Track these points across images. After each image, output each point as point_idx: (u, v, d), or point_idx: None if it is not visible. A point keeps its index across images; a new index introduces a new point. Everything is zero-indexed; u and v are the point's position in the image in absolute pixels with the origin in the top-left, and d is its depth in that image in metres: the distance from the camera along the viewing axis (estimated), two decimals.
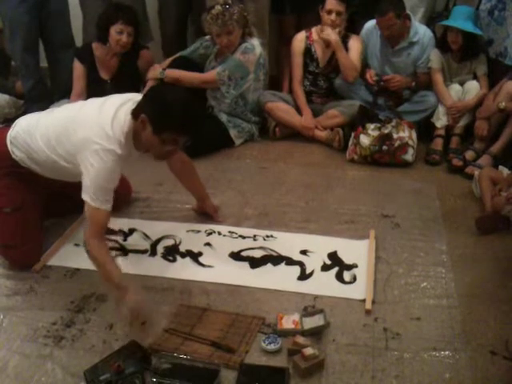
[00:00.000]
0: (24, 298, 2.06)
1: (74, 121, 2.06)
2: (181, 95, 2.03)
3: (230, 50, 3.32)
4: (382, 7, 3.22)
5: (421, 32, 3.36)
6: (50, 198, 2.39)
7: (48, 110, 2.30)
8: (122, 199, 2.55)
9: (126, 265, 2.18)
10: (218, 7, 3.18)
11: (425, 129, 3.40)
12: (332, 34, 3.33)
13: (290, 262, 2.27)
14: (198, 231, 2.48)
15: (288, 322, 1.88)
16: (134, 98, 2.09)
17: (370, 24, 3.48)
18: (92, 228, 1.99)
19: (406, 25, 3.32)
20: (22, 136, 2.18)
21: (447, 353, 1.80)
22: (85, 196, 1.97)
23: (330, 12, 3.33)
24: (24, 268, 2.21)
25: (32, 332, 1.89)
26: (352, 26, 3.71)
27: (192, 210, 2.63)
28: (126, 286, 1.84)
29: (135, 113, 2.01)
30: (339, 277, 2.18)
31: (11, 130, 2.23)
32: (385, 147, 3.10)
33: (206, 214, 2.59)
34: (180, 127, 1.98)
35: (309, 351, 1.71)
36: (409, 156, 3.12)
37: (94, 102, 2.12)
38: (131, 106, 2.04)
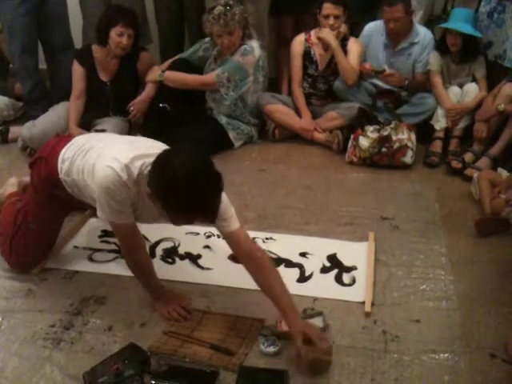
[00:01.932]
0: (23, 301, 2.06)
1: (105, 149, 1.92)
2: (189, 172, 1.63)
3: (230, 51, 3.32)
4: None
5: (421, 33, 3.38)
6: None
7: (100, 137, 2.16)
8: None
9: (125, 267, 2.17)
10: (220, 7, 3.19)
11: (424, 131, 3.39)
12: (330, 36, 3.33)
13: (289, 264, 2.27)
14: (197, 234, 2.48)
15: None
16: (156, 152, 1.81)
17: (371, 25, 3.49)
18: (122, 244, 2.00)
19: (409, 24, 3.33)
20: (73, 159, 1.99)
21: (446, 355, 1.80)
22: (102, 215, 1.87)
23: (327, 17, 3.33)
24: (22, 272, 2.21)
25: (31, 334, 1.89)
26: (351, 29, 3.72)
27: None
28: (156, 297, 2.00)
29: (148, 179, 1.76)
30: (338, 279, 2.18)
31: (66, 148, 2.04)
32: (384, 149, 3.10)
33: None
34: (189, 211, 1.68)
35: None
36: (408, 158, 3.12)
37: (142, 141, 2.09)
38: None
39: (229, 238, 1.91)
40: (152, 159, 1.76)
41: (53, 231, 2.26)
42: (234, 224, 1.90)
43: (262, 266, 1.88)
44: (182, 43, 3.97)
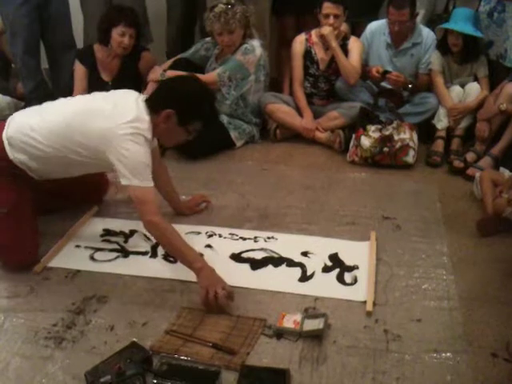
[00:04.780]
0: (25, 300, 2.06)
1: (88, 113, 2.11)
2: (198, 85, 2.24)
3: (230, 50, 3.32)
4: (400, 1, 3.23)
5: (424, 33, 3.39)
6: (48, 197, 2.41)
7: (45, 105, 2.26)
8: (99, 191, 2.69)
9: (127, 266, 2.18)
10: (221, 6, 3.20)
11: (426, 130, 3.40)
12: (332, 36, 3.33)
13: (290, 263, 2.27)
14: (199, 233, 2.48)
15: (289, 322, 1.88)
16: (135, 93, 2.21)
17: (374, 25, 3.49)
18: (149, 207, 2.05)
19: (412, 26, 3.34)
20: (22, 136, 2.15)
21: (448, 355, 1.80)
22: (128, 181, 2.03)
23: (327, 16, 3.33)
24: (19, 268, 2.20)
25: (33, 334, 1.89)
26: (353, 28, 3.73)
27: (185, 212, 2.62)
28: (200, 266, 2.02)
29: (156, 107, 2.11)
30: (340, 278, 2.18)
31: (6, 129, 2.19)
32: (386, 149, 3.10)
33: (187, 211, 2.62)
34: (207, 116, 2.21)
35: None
36: (410, 158, 3.12)
37: (102, 95, 2.22)
38: (142, 99, 2.17)
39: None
40: (140, 97, 2.15)
41: (26, 209, 2.24)
42: (155, 143, 2.33)
43: (164, 171, 2.50)
44: (190, 41, 3.96)
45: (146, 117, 2.10)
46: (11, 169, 2.19)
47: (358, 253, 2.32)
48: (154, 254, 2.32)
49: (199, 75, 3.37)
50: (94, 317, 1.97)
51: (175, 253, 2.12)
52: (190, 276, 2.18)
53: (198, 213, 2.63)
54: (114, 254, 2.32)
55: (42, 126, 2.14)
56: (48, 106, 2.26)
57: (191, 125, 2.18)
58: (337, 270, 2.22)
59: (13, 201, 2.20)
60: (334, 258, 2.30)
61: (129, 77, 3.37)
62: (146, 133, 2.08)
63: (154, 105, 2.13)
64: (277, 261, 2.28)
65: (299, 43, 3.52)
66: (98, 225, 2.52)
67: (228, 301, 1.97)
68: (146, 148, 2.06)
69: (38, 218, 2.36)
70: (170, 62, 3.50)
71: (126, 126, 2.03)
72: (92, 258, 2.31)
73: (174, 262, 2.29)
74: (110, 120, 2.06)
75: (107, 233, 2.46)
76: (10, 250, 2.19)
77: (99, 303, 2.04)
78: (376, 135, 3.14)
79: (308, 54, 3.51)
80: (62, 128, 2.11)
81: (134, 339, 1.80)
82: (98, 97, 2.24)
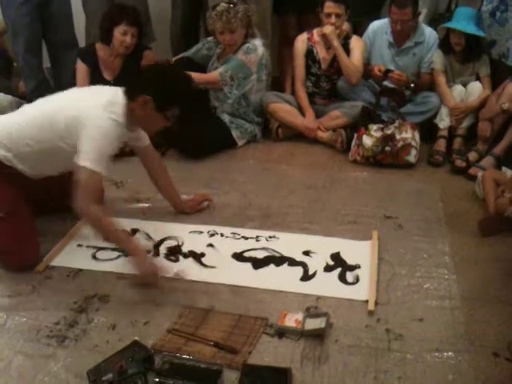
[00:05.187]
0: (27, 299, 2.06)
1: (68, 104, 2.16)
2: (175, 71, 2.27)
3: (232, 49, 3.32)
4: (402, 0, 3.23)
5: (426, 32, 3.39)
6: (45, 198, 2.40)
7: (28, 105, 2.34)
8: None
9: (129, 265, 2.17)
10: (223, 5, 3.21)
11: (428, 130, 3.39)
12: (333, 35, 3.33)
13: (292, 262, 2.27)
14: (201, 232, 2.48)
15: (291, 320, 1.89)
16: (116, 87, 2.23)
17: (376, 24, 3.49)
18: (88, 193, 2.04)
19: (414, 25, 3.34)
20: (7, 134, 2.18)
21: (450, 354, 1.80)
22: (83, 161, 2.02)
23: (329, 15, 3.33)
24: (21, 270, 2.20)
25: (35, 332, 1.89)
26: (354, 28, 3.72)
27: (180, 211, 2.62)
28: (134, 248, 2.11)
29: (132, 94, 2.13)
30: (342, 277, 2.18)
31: None
32: (387, 148, 3.10)
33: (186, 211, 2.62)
34: (184, 102, 2.19)
35: None
36: (411, 157, 3.12)
37: (82, 90, 2.39)
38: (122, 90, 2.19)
39: (142, 151, 2.44)
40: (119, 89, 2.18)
41: (22, 210, 2.25)
42: (146, 141, 2.42)
43: (164, 171, 2.52)
44: (195, 39, 3.95)
45: (120, 101, 2.12)
46: (1, 169, 2.19)
47: (359, 252, 2.32)
48: (156, 253, 2.33)
49: (201, 74, 3.40)
50: (96, 315, 1.97)
51: (108, 237, 2.18)
52: (191, 275, 2.19)
53: (200, 212, 2.64)
54: (116, 253, 2.32)
55: (25, 121, 2.18)
56: (31, 104, 2.31)
57: (169, 111, 2.17)
58: (339, 269, 2.22)
59: (9, 204, 2.20)
60: (336, 257, 2.30)
61: (131, 76, 3.37)
62: (119, 117, 2.09)
63: (130, 91, 2.15)
64: (278, 260, 2.28)
65: (301, 42, 3.52)
66: None
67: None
68: (115, 133, 2.07)
69: (39, 217, 2.37)
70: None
71: (98, 108, 2.06)
72: (94, 256, 2.31)
73: (176, 261, 2.29)
74: (84, 104, 2.10)
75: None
76: (11, 252, 2.19)
77: (101, 302, 2.04)
78: (378, 134, 3.14)
79: (310, 53, 3.51)
80: (46, 123, 2.15)
81: (136, 338, 1.81)
82: (77, 91, 2.34)
